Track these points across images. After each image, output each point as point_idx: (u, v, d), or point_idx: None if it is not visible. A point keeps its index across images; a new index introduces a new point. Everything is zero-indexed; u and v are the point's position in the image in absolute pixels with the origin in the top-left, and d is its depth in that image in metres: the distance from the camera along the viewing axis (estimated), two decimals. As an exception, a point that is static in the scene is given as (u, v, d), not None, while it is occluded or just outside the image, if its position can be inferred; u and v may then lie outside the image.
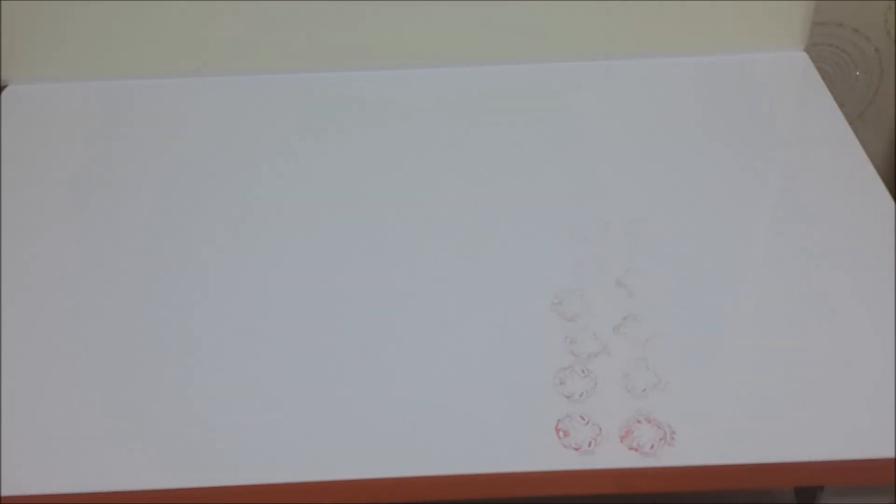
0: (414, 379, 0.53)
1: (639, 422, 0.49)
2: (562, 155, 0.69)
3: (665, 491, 0.47)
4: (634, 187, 0.65)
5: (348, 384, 0.53)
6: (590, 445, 0.48)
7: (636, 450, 0.48)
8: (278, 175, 0.68)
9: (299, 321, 0.56)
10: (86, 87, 0.77)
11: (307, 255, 0.61)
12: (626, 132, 0.70)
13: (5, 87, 0.78)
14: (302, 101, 0.75)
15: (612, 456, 0.48)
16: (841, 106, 0.71)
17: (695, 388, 0.51)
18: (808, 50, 0.77)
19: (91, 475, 0.49)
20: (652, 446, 0.48)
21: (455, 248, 0.61)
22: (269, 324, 0.56)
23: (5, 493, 0.48)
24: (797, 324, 0.54)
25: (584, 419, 0.50)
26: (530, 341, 0.54)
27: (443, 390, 0.52)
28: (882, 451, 0.47)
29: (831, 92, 0.73)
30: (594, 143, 0.70)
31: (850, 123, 0.69)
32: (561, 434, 0.49)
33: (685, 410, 0.50)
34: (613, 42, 0.77)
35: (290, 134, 0.72)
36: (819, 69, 0.75)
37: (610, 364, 0.53)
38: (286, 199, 0.66)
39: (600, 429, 0.49)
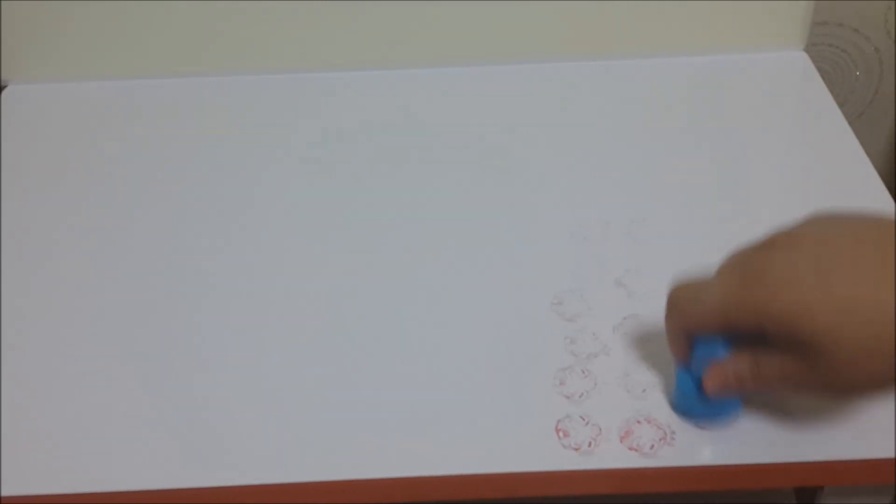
0: (413, 379, 0.53)
1: (639, 422, 0.49)
2: (561, 155, 0.69)
3: (665, 491, 0.47)
4: (634, 187, 0.65)
5: (348, 384, 0.53)
6: (590, 445, 0.48)
7: (636, 450, 0.48)
8: (280, 175, 0.68)
9: (302, 322, 0.56)
10: (86, 88, 0.78)
11: (309, 255, 0.61)
12: (626, 132, 0.71)
13: (5, 87, 0.78)
14: (304, 101, 0.75)
15: (612, 456, 0.48)
16: (841, 106, 0.71)
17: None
18: (808, 50, 0.77)
19: (93, 475, 0.49)
20: (652, 446, 0.48)
21: (454, 247, 0.61)
22: (272, 324, 0.56)
23: (5, 493, 0.48)
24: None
25: (583, 419, 0.50)
26: (530, 341, 0.54)
27: (442, 390, 0.52)
28: (882, 451, 0.47)
29: (831, 92, 0.73)
30: (594, 143, 0.70)
31: (850, 123, 0.69)
32: (561, 434, 0.49)
33: (685, 410, 0.50)
34: (613, 42, 0.77)
35: (291, 134, 0.72)
36: (819, 69, 0.75)
37: (610, 364, 0.53)
38: (288, 199, 0.66)
39: (600, 429, 0.49)
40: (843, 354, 0.41)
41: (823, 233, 0.43)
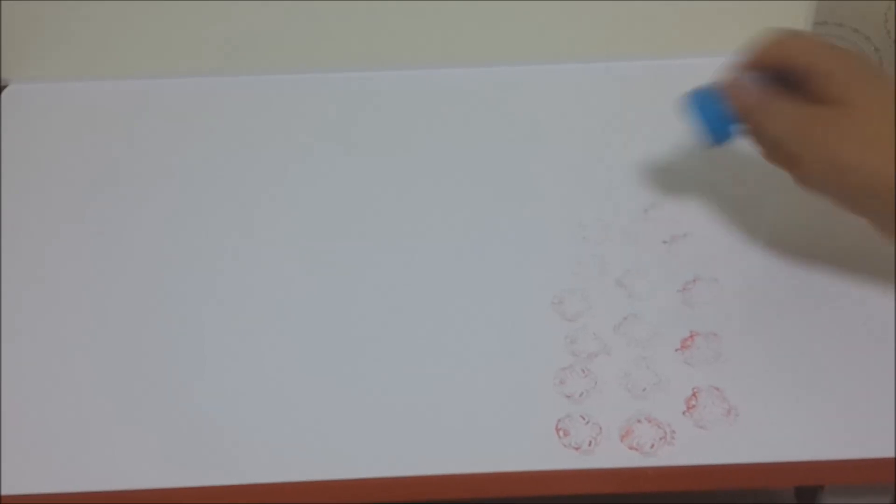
0: (414, 378, 0.53)
1: (639, 421, 0.49)
2: (562, 154, 0.69)
3: (665, 490, 0.47)
4: (634, 187, 0.65)
5: (348, 383, 0.53)
6: (590, 445, 0.48)
7: (636, 449, 0.48)
8: (280, 175, 0.68)
9: (304, 321, 0.56)
10: (87, 87, 0.77)
11: (309, 254, 0.61)
12: (627, 132, 0.71)
13: (6, 86, 0.78)
14: (306, 101, 0.75)
15: (612, 455, 0.48)
16: (841, 106, 0.71)
17: (694, 387, 0.51)
18: (808, 50, 0.77)
19: (94, 474, 0.49)
20: (652, 446, 0.48)
21: (455, 247, 0.61)
22: (273, 323, 0.56)
23: (6, 491, 0.48)
24: (795, 322, 0.54)
25: (584, 419, 0.50)
26: (530, 341, 0.54)
27: (443, 390, 0.52)
28: (882, 450, 0.47)
29: (831, 92, 0.72)
30: (594, 143, 0.70)
31: (851, 123, 0.69)
32: (561, 433, 0.49)
33: (685, 410, 0.50)
34: (614, 43, 0.77)
35: (291, 134, 0.72)
36: (819, 69, 0.75)
37: (610, 364, 0.53)
38: (288, 199, 0.66)
39: (600, 428, 0.49)
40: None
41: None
